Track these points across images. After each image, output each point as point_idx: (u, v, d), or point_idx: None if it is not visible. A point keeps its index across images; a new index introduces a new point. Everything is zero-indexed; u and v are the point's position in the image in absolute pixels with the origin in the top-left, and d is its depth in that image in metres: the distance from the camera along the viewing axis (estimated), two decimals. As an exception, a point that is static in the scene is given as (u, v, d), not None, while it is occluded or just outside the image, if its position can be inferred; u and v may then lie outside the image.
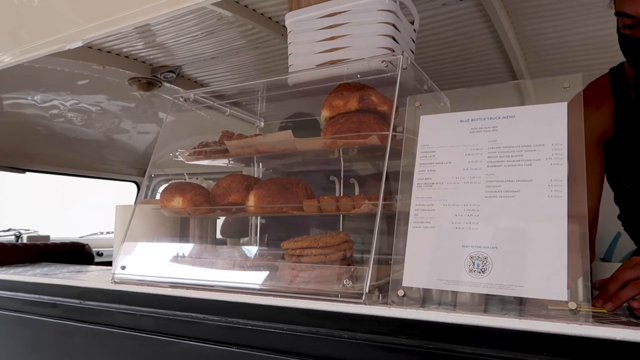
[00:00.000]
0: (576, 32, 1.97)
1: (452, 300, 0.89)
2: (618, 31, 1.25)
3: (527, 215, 0.83)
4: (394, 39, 1.16)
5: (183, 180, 1.32)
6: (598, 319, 0.76)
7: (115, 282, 1.12)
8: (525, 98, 1.27)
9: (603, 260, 2.36)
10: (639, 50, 1.18)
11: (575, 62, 2.16)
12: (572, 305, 0.74)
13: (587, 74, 1.47)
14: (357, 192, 1.39)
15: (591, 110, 1.35)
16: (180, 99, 1.36)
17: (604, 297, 0.90)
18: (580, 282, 0.80)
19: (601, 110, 1.34)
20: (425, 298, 0.90)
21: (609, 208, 1.46)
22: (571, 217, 0.80)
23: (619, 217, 1.46)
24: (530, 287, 0.78)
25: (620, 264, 2.23)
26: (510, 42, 2.02)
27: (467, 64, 2.28)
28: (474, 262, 0.84)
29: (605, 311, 0.86)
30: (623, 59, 1.42)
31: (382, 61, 1.06)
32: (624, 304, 0.87)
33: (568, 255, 0.78)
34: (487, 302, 0.86)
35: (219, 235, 1.52)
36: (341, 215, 1.44)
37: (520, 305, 0.84)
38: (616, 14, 1.22)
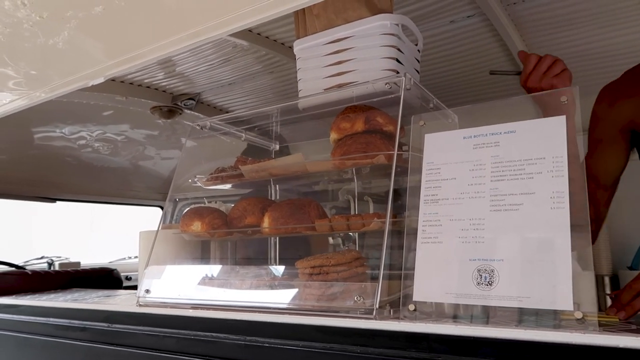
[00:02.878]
0: (587, 42, 1.97)
1: (464, 314, 0.91)
2: None
3: (531, 227, 0.85)
4: (397, 60, 1.20)
5: (202, 205, 1.37)
6: (607, 327, 0.77)
7: (140, 305, 1.17)
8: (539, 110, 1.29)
9: (630, 268, 2.31)
10: None
11: (587, 71, 2.16)
12: (579, 314, 0.76)
13: (600, 82, 1.48)
14: (371, 209, 1.42)
15: (623, 100, 1.35)
16: (197, 126, 1.42)
17: (618, 306, 0.90)
18: (587, 291, 0.81)
19: (634, 100, 1.34)
20: (438, 312, 0.92)
21: (636, 215, 1.45)
22: (574, 226, 0.81)
23: None
24: (536, 298, 0.80)
25: (649, 271, 2.18)
26: (521, 55, 2.03)
27: (479, 79, 2.30)
28: (481, 275, 0.86)
29: (616, 320, 0.86)
30: (635, 64, 1.42)
31: (386, 83, 1.10)
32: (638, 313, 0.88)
33: (573, 265, 0.79)
34: (522, 315, 0.86)
35: (238, 256, 1.57)
36: (357, 233, 1.47)
37: (556, 319, 0.83)
38: None
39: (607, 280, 2.19)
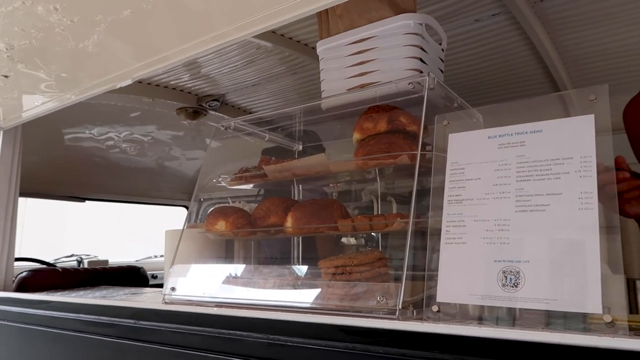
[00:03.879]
0: (615, 40, 1.92)
1: (489, 316, 0.90)
2: None
3: (558, 228, 0.83)
4: (421, 60, 1.19)
5: (226, 204, 1.39)
6: (637, 332, 0.75)
7: (166, 303, 1.20)
8: (570, 108, 1.26)
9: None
10: None
11: (617, 69, 2.11)
12: (608, 318, 0.74)
13: (630, 80, 1.44)
14: (394, 210, 1.41)
15: None
16: (222, 127, 1.44)
17: None
18: (617, 294, 0.79)
19: None
20: (461, 314, 0.91)
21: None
22: (602, 227, 0.80)
23: None
24: (564, 301, 0.78)
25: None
26: (549, 53, 2.00)
27: (505, 78, 2.26)
28: (506, 277, 0.85)
29: (647, 324, 0.84)
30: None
31: (409, 83, 1.10)
32: None
33: (602, 267, 0.78)
34: (549, 318, 0.85)
35: (262, 256, 1.58)
36: (380, 234, 1.46)
37: (584, 322, 0.82)
38: None
39: (639, 284, 2.12)
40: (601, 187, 1.02)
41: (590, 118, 0.87)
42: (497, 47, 2.02)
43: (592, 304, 0.75)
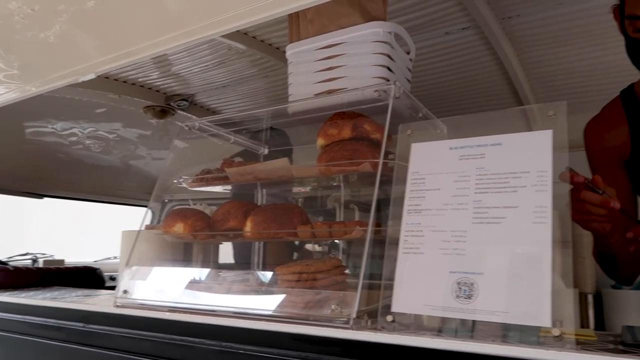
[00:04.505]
0: (578, 59, 1.98)
1: (444, 327, 0.89)
2: (628, 38, 1.24)
3: (512, 241, 0.84)
4: (388, 68, 1.19)
5: (187, 207, 1.36)
6: (585, 345, 0.76)
7: (117, 306, 1.15)
8: (532, 123, 1.29)
9: (614, 287, 2.30)
10: None
11: (579, 87, 2.17)
12: (556, 331, 0.75)
13: (592, 99, 1.49)
14: (357, 217, 1.41)
15: (606, 134, 1.38)
16: (186, 127, 1.41)
17: None
18: (566, 306, 0.80)
19: (616, 131, 1.37)
20: (416, 324, 0.90)
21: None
22: (556, 240, 0.81)
23: None
24: (514, 314, 0.79)
25: (632, 291, 2.18)
26: (514, 69, 2.04)
27: (471, 91, 2.30)
28: (460, 288, 0.85)
29: (595, 338, 0.85)
30: (627, 83, 1.43)
31: (375, 90, 1.10)
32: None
33: (555, 281, 0.78)
34: (506, 330, 0.85)
35: (221, 260, 1.55)
36: (343, 242, 1.46)
37: (537, 335, 0.82)
38: (628, 17, 1.23)
39: (590, 298, 2.18)
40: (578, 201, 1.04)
41: (548, 133, 0.88)
42: (465, 60, 2.05)
43: (543, 317, 0.76)
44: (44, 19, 1.28)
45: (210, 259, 1.45)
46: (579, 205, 1.10)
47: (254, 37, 2.04)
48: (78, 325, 1.18)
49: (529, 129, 0.96)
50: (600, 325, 2.17)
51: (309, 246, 1.58)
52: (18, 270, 1.95)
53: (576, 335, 0.75)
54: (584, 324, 2.11)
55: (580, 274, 2.06)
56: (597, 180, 1.09)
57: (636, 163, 1.33)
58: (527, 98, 2.20)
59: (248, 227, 1.13)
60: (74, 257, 3.07)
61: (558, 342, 0.73)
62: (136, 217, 3.76)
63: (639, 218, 1.42)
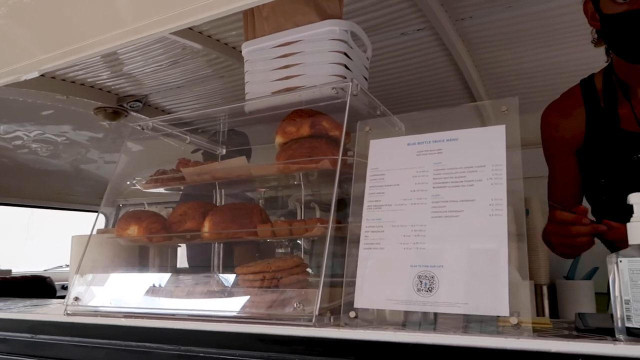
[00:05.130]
0: (529, 60, 2.06)
1: (406, 321, 0.90)
2: (605, 18, 1.25)
3: (470, 234, 0.85)
4: (345, 66, 1.19)
5: (141, 209, 1.31)
6: (541, 333, 0.78)
7: (68, 314, 1.10)
8: (486, 119, 1.32)
9: (566, 278, 2.41)
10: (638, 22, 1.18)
11: (530, 87, 2.26)
12: (514, 320, 0.76)
13: (542, 99, 1.54)
14: (317, 215, 1.40)
15: (563, 119, 1.42)
16: (138, 127, 1.36)
17: None
18: (523, 297, 0.82)
19: (573, 118, 1.41)
20: (379, 319, 0.90)
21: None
22: (512, 234, 0.83)
23: None
24: (474, 305, 0.80)
25: (583, 281, 2.27)
26: (468, 69, 2.10)
27: (427, 90, 2.35)
28: (421, 282, 0.85)
29: (550, 326, 0.88)
30: (574, 83, 1.48)
31: (332, 88, 1.09)
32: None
33: (510, 272, 0.80)
34: (468, 322, 0.86)
35: (179, 264, 1.51)
36: (308, 239, 1.45)
37: (496, 325, 0.83)
38: None
39: (545, 289, 2.27)
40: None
41: (502, 128, 0.90)
42: (420, 60, 2.09)
43: (501, 307, 0.77)
44: (-19, 13, 1.21)
45: (167, 263, 1.40)
46: (557, 228, 1.16)
47: (209, 36, 2.01)
48: (26, 336, 1.12)
49: (483, 125, 0.98)
50: (554, 313, 2.27)
51: (270, 247, 1.56)
52: (-42, 282, 1.83)
53: (533, 323, 0.77)
54: (539, 313, 2.20)
55: (535, 266, 2.15)
56: (582, 210, 1.16)
57: (588, 151, 1.39)
58: (480, 97, 2.27)
59: (206, 227, 1.10)
60: (22, 266, 2.92)
61: (516, 330, 0.75)
62: (89, 223, 3.62)
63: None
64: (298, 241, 1.55)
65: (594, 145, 1.37)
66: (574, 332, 0.80)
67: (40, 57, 1.33)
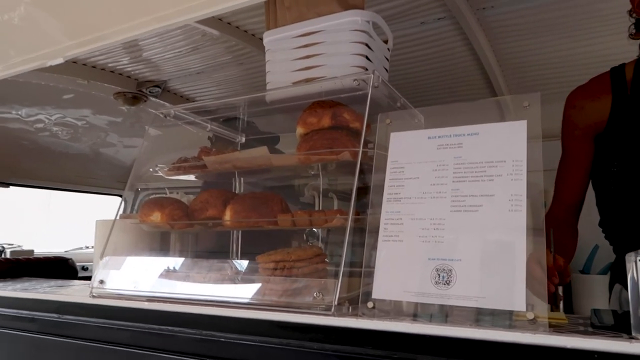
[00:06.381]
0: (551, 50, 2.03)
1: (422, 312, 0.91)
2: None
3: (489, 229, 0.86)
4: (367, 57, 1.20)
5: (163, 195, 1.34)
6: (557, 328, 0.79)
7: (94, 296, 1.13)
8: (505, 113, 1.32)
9: (582, 272, 2.40)
10: None
11: (551, 78, 2.23)
12: (530, 315, 0.77)
13: (563, 90, 1.52)
14: (335, 206, 1.42)
15: (589, 102, 1.42)
16: (161, 114, 1.39)
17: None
18: (540, 292, 0.83)
19: (598, 102, 1.40)
20: (396, 310, 0.92)
21: (587, 221, 1.50)
22: (529, 228, 0.83)
23: (600, 223, 1.50)
24: (491, 298, 0.81)
25: (598, 276, 2.26)
26: (489, 60, 2.08)
27: (446, 81, 2.33)
28: (439, 275, 0.87)
29: (566, 321, 0.89)
30: (595, 75, 1.47)
31: (354, 80, 1.10)
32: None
33: (528, 267, 0.81)
34: (479, 315, 0.87)
35: (199, 249, 1.54)
36: (326, 229, 1.46)
37: (510, 319, 0.85)
38: None
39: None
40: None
41: (523, 124, 0.91)
42: (440, 50, 2.07)
43: (518, 302, 0.78)
44: (6, 0, 1.23)
45: (187, 249, 1.44)
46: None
47: (228, 23, 2.01)
48: (53, 316, 1.16)
49: (503, 119, 0.98)
50: (569, 308, 2.26)
51: (287, 235, 1.59)
52: (-16, 261, 1.89)
53: (549, 318, 0.78)
54: (553, 308, 2.20)
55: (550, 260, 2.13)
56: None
57: (607, 138, 1.38)
58: (500, 88, 2.25)
59: (227, 216, 1.13)
60: (43, 247, 2.99)
61: (532, 325, 0.76)
62: (105, 205, 3.68)
63: (582, 200, 1.47)
64: (314, 230, 1.57)
65: (615, 132, 1.36)
66: (590, 329, 0.81)
67: (66, 44, 1.36)
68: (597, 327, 0.81)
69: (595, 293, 2.23)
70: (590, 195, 1.48)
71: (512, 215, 0.85)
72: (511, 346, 0.70)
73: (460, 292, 0.84)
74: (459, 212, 0.90)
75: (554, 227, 1.35)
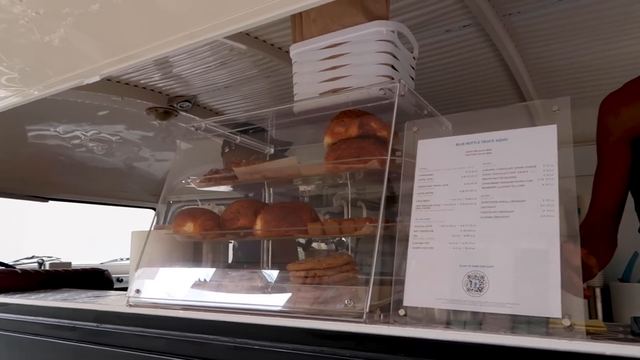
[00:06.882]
0: (580, 54, 2.00)
1: (455, 320, 0.91)
2: None
3: (520, 235, 0.85)
4: (392, 67, 1.21)
5: (195, 206, 1.37)
6: (594, 336, 0.78)
7: (130, 305, 1.17)
8: (535, 119, 1.30)
9: (621, 280, 2.32)
10: None
11: (581, 82, 2.18)
12: (566, 322, 0.76)
13: (594, 94, 1.50)
14: (364, 214, 1.42)
15: (624, 108, 1.39)
16: (192, 128, 1.43)
17: None
18: (576, 300, 0.82)
19: (633, 107, 1.38)
20: (428, 318, 0.92)
21: (627, 227, 1.46)
22: (563, 235, 0.82)
23: None
24: (525, 306, 0.80)
25: (639, 284, 2.18)
26: (516, 65, 2.05)
27: (474, 88, 2.32)
28: (471, 281, 0.86)
29: (604, 329, 0.87)
30: (630, 77, 1.44)
31: (380, 89, 1.11)
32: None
33: (563, 273, 0.80)
34: (513, 322, 0.86)
35: (231, 259, 1.56)
36: (353, 238, 1.47)
37: (545, 326, 0.84)
38: None
39: (597, 291, 2.20)
40: None
41: (553, 128, 0.90)
42: (466, 57, 2.06)
43: (553, 309, 0.77)
44: (48, 23, 1.29)
45: (219, 258, 1.46)
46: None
47: (255, 38, 2.06)
48: (91, 325, 1.20)
49: (532, 124, 0.98)
50: (608, 317, 2.19)
51: (315, 244, 1.60)
52: (26, 273, 1.97)
53: (586, 326, 0.76)
54: (592, 316, 2.13)
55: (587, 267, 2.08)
56: None
57: None
58: (529, 94, 2.22)
59: (258, 225, 1.15)
60: (79, 259, 3.09)
61: (568, 332, 0.75)
62: (136, 218, 3.77)
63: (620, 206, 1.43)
64: (343, 239, 1.58)
65: None
66: (630, 336, 0.79)
67: (102, 62, 1.41)
68: (637, 335, 0.79)
69: (635, 301, 2.16)
70: (630, 201, 1.44)
71: (545, 221, 0.84)
72: (548, 353, 0.69)
73: (494, 298, 0.83)
74: (489, 218, 0.89)
75: (589, 233, 1.32)
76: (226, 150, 1.80)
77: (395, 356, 0.82)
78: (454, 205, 0.94)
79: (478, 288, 0.85)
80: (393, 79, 1.19)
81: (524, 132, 0.93)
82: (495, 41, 1.89)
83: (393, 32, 1.23)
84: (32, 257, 3.11)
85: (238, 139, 1.52)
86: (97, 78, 1.51)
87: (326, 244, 1.73)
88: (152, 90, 2.50)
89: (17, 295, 1.66)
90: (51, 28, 1.30)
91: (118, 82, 2.39)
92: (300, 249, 1.83)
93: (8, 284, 1.86)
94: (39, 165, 2.96)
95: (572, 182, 0.86)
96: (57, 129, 2.72)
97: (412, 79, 1.34)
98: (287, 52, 2.15)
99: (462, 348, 0.77)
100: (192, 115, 2.65)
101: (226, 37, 1.96)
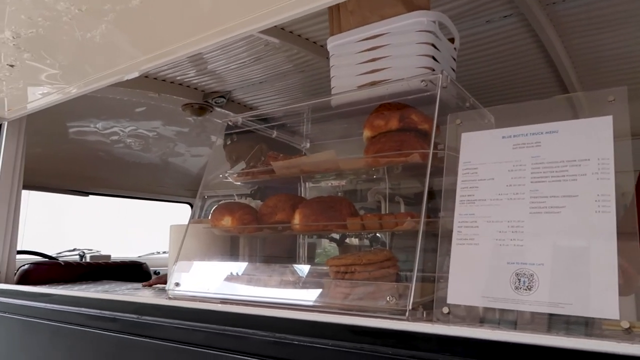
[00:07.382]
0: (628, 44, 1.90)
1: (500, 319, 0.88)
2: None
3: (574, 231, 0.81)
4: (433, 58, 1.17)
5: (232, 201, 1.38)
6: (654, 339, 0.73)
7: (170, 298, 1.18)
8: (578, 111, 1.25)
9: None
10: None
11: (629, 73, 2.09)
12: (625, 324, 0.72)
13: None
14: (402, 209, 1.40)
15: None
16: (229, 123, 1.43)
17: None
18: (634, 300, 0.77)
19: None
20: (472, 316, 0.89)
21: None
22: (622, 233, 0.78)
23: None
24: (579, 306, 0.77)
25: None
26: (560, 56, 1.98)
27: (515, 79, 2.24)
28: (519, 279, 0.83)
29: (662, 331, 0.82)
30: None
31: (422, 81, 1.08)
32: None
33: (620, 272, 0.76)
34: (551, 322, 0.83)
35: (267, 253, 1.56)
36: (388, 234, 1.45)
37: (586, 327, 0.80)
38: None
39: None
40: None
41: (609, 119, 0.85)
42: (507, 48, 2.00)
43: (609, 310, 0.73)
44: (90, 19, 1.31)
45: (256, 252, 1.46)
46: None
47: (290, 32, 2.04)
48: (132, 316, 1.22)
49: (576, 116, 0.93)
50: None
51: (350, 240, 1.58)
52: (68, 264, 2.03)
53: (643, 327, 0.72)
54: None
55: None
56: None
57: None
58: (572, 85, 2.13)
59: (297, 219, 1.14)
60: (118, 252, 3.17)
61: (627, 334, 0.71)
62: (174, 213, 3.84)
63: None
64: (378, 235, 1.55)
65: None
66: (694, 339, 0.74)
67: (141, 59, 1.43)
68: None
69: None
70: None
71: (600, 217, 0.79)
72: (606, 356, 0.66)
73: (544, 298, 0.79)
74: (539, 214, 0.85)
75: None
76: (228, 143, 1.80)
77: (440, 355, 0.79)
78: (500, 200, 0.90)
79: (527, 286, 0.81)
80: (434, 70, 1.16)
81: (576, 124, 0.88)
82: (537, 31, 1.82)
83: (434, 22, 1.19)
84: (74, 250, 3.21)
85: (274, 133, 1.51)
86: (136, 74, 1.53)
87: (359, 239, 1.71)
88: (187, 86, 2.53)
89: (60, 287, 1.71)
90: (93, 25, 1.32)
91: (155, 78, 2.42)
92: (334, 244, 1.81)
93: (51, 275, 1.92)
94: (80, 160, 3.05)
95: (630, 177, 0.82)
96: (97, 126, 2.79)
97: (454, 70, 1.30)
98: (322, 46, 2.14)
99: (511, 348, 0.74)
100: (226, 111, 2.66)
101: (261, 32, 1.96)
